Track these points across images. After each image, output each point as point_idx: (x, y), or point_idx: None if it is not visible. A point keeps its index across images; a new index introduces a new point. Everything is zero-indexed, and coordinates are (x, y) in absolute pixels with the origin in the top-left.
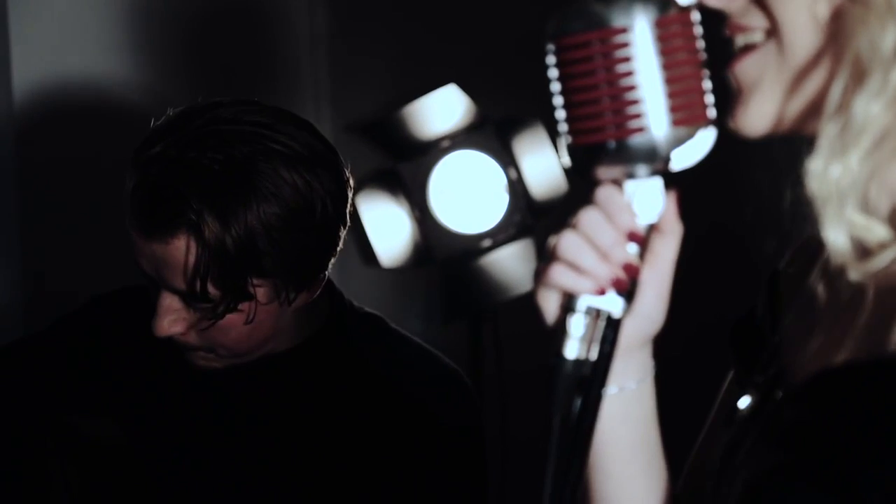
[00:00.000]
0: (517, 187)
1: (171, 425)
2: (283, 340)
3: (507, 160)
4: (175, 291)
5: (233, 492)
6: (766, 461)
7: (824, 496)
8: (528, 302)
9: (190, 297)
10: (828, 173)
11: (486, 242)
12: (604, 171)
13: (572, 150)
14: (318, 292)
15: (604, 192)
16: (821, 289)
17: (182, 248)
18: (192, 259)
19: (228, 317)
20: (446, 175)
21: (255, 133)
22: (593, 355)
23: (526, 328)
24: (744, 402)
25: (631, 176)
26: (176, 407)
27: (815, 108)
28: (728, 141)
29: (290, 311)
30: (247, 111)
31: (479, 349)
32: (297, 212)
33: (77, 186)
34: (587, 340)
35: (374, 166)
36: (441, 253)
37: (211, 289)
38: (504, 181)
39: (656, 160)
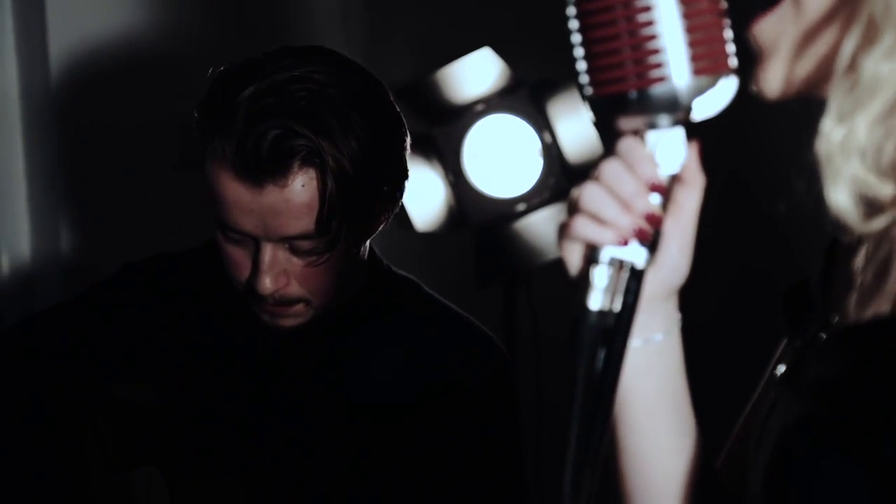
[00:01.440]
0: (551, 151)
1: (213, 386)
2: (349, 286)
3: (542, 124)
4: (283, 239)
5: (277, 448)
6: (793, 415)
7: (842, 452)
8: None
9: (309, 236)
10: (833, 134)
11: (521, 206)
12: (625, 122)
13: (594, 101)
14: (388, 222)
15: (625, 143)
16: (863, 253)
17: (302, 185)
18: (317, 192)
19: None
20: (480, 139)
21: (324, 69)
22: (617, 306)
23: (560, 292)
24: (782, 367)
25: (653, 126)
26: (216, 368)
27: (830, 71)
28: (749, 94)
29: (360, 255)
30: (312, 52)
31: (513, 313)
32: (383, 125)
33: (116, 152)
34: (611, 292)
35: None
36: (475, 217)
37: (333, 219)
38: (538, 145)
39: (678, 110)
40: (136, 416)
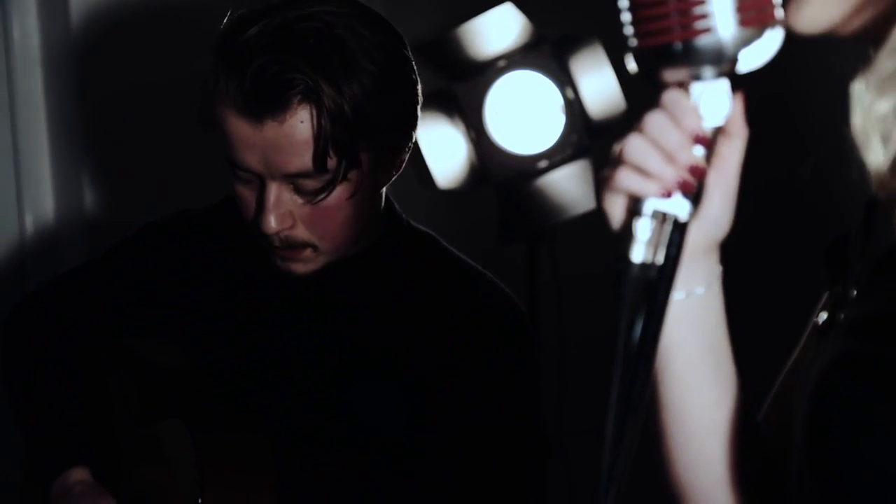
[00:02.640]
0: (574, 107)
1: (233, 339)
2: (360, 240)
3: (564, 80)
4: (286, 176)
5: (298, 399)
6: (833, 355)
7: (874, 389)
8: (585, 223)
9: (306, 173)
10: (875, 108)
11: (543, 163)
12: (670, 74)
13: (638, 53)
14: (399, 172)
15: (670, 95)
16: None
17: (301, 121)
18: (313, 129)
19: (336, 193)
20: (502, 95)
21: (338, 12)
22: (659, 259)
23: (582, 249)
24: (823, 315)
25: (697, 78)
26: (237, 322)
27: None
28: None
29: (370, 203)
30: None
31: (535, 270)
32: (392, 73)
33: (138, 109)
34: (653, 244)
35: (429, 87)
36: (497, 174)
37: (329, 157)
38: (561, 101)
39: (723, 61)
40: (160, 370)
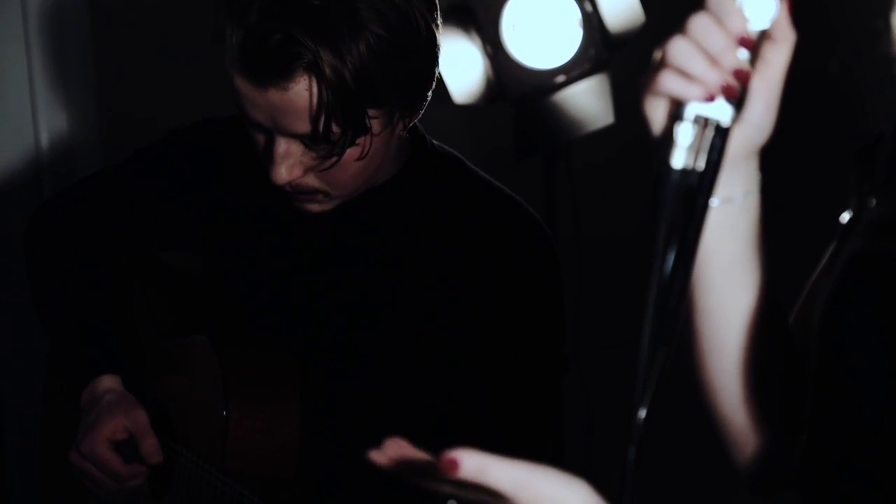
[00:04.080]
0: (592, 20)
1: (254, 254)
2: (380, 175)
3: None
4: (293, 136)
5: (320, 320)
6: (853, 252)
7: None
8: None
9: (312, 139)
10: None
11: (560, 78)
12: None
13: None
14: (419, 115)
15: None
16: None
17: (302, 91)
18: (314, 100)
19: (346, 154)
20: (519, 9)
21: None
22: (700, 165)
23: (599, 164)
24: (847, 215)
25: None
26: (258, 235)
27: None
28: None
29: (394, 142)
30: None
31: (552, 185)
32: (403, 35)
33: (152, 22)
34: (695, 149)
35: (445, 2)
36: (514, 89)
37: (333, 127)
38: (578, 14)
39: None
40: (182, 283)
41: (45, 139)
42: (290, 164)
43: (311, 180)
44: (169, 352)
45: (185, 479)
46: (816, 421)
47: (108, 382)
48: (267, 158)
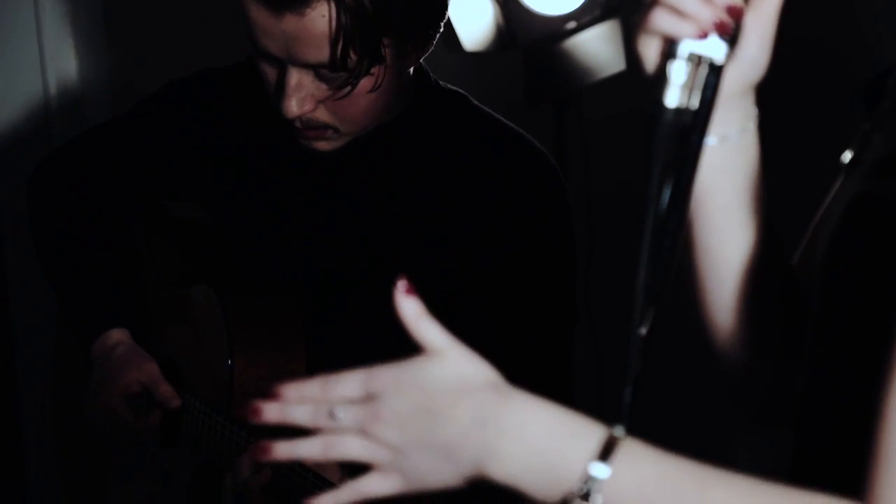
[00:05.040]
0: None
1: (260, 200)
2: (388, 112)
3: None
4: (307, 66)
5: (327, 265)
6: (854, 192)
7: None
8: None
9: (329, 67)
10: None
11: (571, 24)
12: None
13: None
14: (430, 51)
15: None
16: None
17: (319, 17)
18: (333, 24)
19: (359, 85)
20: None
21: None
22: (694, 103)
23: (610, 111)
24: (849, 153)
25: None
26: (263, 182)
27: None
28: None
29: (404, 77)
30: None
31: (563, 133)
32: None
33: None
34: (688, 88)
35: None
36: (524, 36)
37: (351, 53)
38: None
39: None
40: (187, 233)
41: (53, 86)
42: (301, 96)
43: (322, 115)
44: (175, 302)
45: (193, 428)
46: (816, 360)
47: (118, 336)
48: (278, 92)
